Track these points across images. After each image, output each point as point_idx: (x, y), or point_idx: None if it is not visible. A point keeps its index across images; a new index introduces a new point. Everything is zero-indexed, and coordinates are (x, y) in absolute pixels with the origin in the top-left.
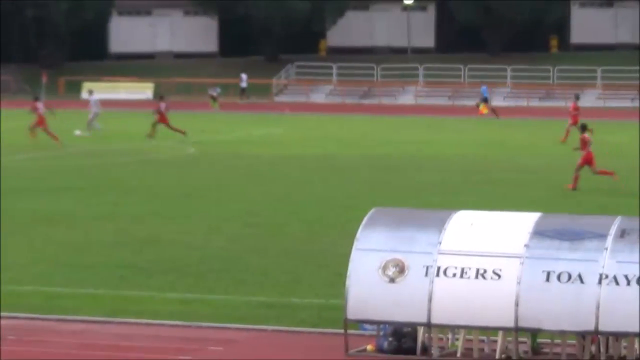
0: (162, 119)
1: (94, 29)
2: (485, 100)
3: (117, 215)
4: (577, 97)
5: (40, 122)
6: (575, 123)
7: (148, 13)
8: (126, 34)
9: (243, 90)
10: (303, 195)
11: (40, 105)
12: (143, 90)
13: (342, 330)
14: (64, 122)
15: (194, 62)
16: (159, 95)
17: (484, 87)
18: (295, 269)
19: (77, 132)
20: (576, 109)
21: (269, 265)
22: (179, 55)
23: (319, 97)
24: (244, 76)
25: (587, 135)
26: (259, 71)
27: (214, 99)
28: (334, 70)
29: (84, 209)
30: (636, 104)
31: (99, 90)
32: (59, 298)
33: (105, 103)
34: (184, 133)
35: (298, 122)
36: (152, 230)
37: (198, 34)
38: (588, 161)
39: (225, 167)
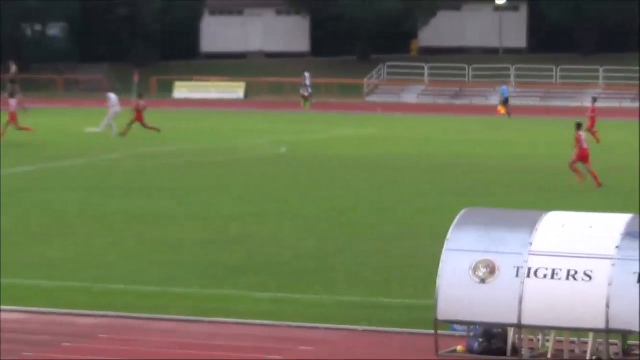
0: (139, 117)
1: (186, 29)
2: (506, 100)
3: (208, 215)
4: (594, 100)
5: (12, 119)
6: (592, 125)
7: (240, 13)
8: (218, 33)
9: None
10: (394, 195)
11: (12, 102)
12: (234, 90)
13: (432, 331)
14: (155, 121)
15: (286, 62)
16: (138, 93)
17: (504, 87)
18: (386, 269)
19: (88, 129)
20: (594, 111)
21: (360, 265)
22: (271, 55)
23: (410, 97)
24: (307, 75)
25: (581, 133)
26: (350, 71)
27: (305, 98)
28: (426, 71)
29: (175, 208)
30: None
31: (190, 90)
32: (150, 297)
33: (196, 102)
34: (158, 130)
35: (389, 122)
36: (243, 229)
37: (290, 33)
38: (583, 158)
39: (316, 166)
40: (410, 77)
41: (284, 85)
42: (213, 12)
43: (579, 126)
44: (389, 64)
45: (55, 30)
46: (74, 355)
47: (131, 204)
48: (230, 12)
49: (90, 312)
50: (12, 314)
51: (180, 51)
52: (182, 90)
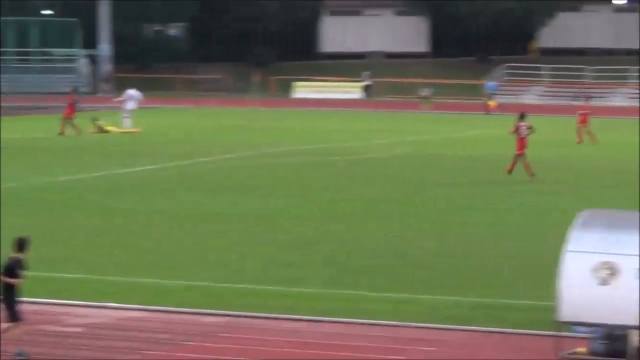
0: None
1: (305, 29)
2: (491, 95)
3: (330, 214)
4: (587, 98)
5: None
6: (583, 123)
7: (359, 13)
8: (337, 33)
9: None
10: (514, 197)
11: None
12: (353, 90)
13: (553, 332)
14: (275, 121)
15: (405, 63)
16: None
17: (491, 83)
18: (507, 270)
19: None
20: (585, 109)
21: (481, 266)
22: (390, 55)
23: (530, 98)
24: (365, 74)
25: (522, 123)
26: (469, 72)
27: (424, 99)
28: (545, 72)
29: (296, 208)
30: None
31: (309, 90)
32: (272, 297)
33: (315, 102)
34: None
35: (509, 123)
36: (364, 229)
37: (409, 34)
38: (521, 148)
39: (436, 166)
40: (529, 78)
41: (404, 85)
42: (332, 13)
43: (522, 116)
44: (507, 64)
45: (175, 30)
46: (196, 354)
47: (251, 204)
48: (349, 12)
49: (213, 312)
50: (135, 312)
51: (299, 51)
52: (301, 90)
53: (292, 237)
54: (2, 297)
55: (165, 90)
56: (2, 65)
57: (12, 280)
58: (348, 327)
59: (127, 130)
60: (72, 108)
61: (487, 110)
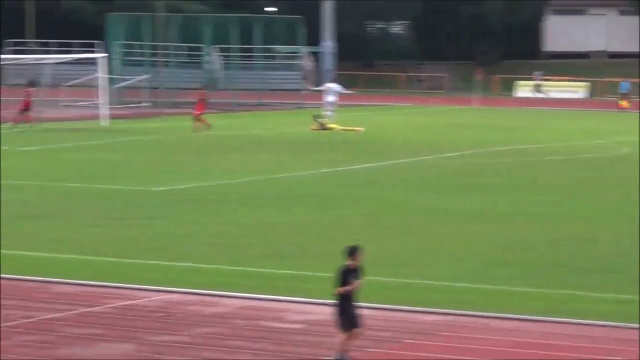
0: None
1: (529, 28)
2: (625, 95)
3: (549, 214)
4: None
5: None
6: None
7: (582, 12)
8: (560, 32)
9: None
10: None
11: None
12: (576, 90)
13: None
14: (496, 119)
15: (628, 62)
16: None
17: (625, 83)
18: None
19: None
20: None
21: None
22: (613, 55)
23: None
24: (537, 73)
25: None
26: None
27: None
28: None
29: (516, 206)
30: None
31: (532, 89)
32: (494, 295)
33: (538, 102)
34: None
35: None
36: (587, 229)
37: (634, 34)
38: None
39: None
40: None
41: (630, 85)
42: (556, 11)
43: None
44: None
45: (398, 28)
46: (416, 352)
47: (466, 203)
48: (573, 11)
49: (433, 310)
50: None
51: (522, 50)
52: (524, 89)
53: (512, 236)
54: (338, 304)
55: (388, 88)
56: (225, 61)
57: (343, 289)
58: (567, 327)
59: (349, 128)
60: (202, 105)
61: (621, 109)
